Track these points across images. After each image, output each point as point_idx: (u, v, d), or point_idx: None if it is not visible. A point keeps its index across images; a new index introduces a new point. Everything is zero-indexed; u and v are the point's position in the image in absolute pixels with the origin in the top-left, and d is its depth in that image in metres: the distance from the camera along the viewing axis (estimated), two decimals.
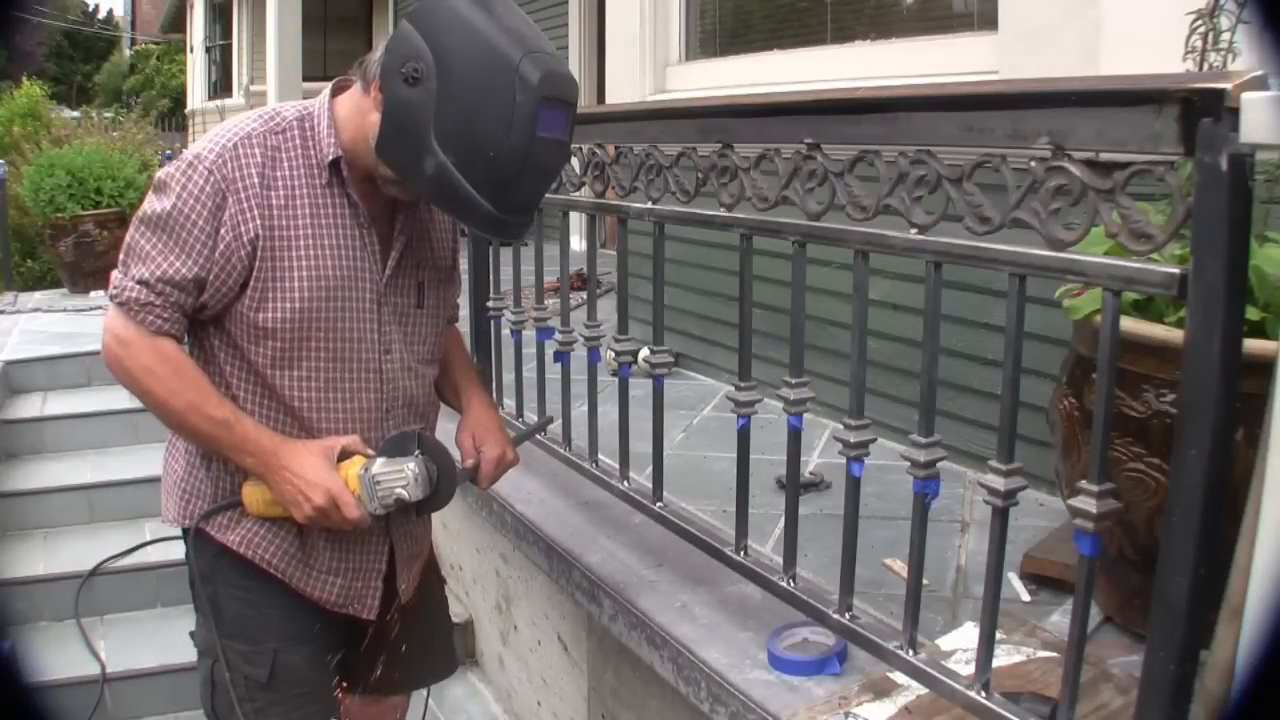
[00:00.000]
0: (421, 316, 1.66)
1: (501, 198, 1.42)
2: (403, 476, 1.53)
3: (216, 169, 1.46)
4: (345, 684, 1.82)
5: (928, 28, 3.21)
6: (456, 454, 1.71)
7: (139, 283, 1.45)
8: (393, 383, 1.62)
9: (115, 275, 1.49)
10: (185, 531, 1.66)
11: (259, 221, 1.47)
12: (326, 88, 1.59)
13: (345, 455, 1.54)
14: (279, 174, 1.50)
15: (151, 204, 1.48)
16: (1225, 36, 1.59)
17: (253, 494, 1.55)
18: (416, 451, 1.56)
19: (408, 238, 1.62)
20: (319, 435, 1.57)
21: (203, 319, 1.52)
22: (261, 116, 1.54)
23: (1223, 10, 1.58)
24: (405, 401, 1.65)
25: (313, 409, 1.56)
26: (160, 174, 1.50)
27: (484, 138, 1.39)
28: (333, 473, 1.50)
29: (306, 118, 1.54)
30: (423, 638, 1.87)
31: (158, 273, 1.45)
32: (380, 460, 1.54)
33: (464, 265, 1.85)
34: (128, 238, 1.49)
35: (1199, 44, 1.62)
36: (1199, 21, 1.61)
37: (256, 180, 1.47)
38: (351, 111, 1.52)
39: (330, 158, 1.52)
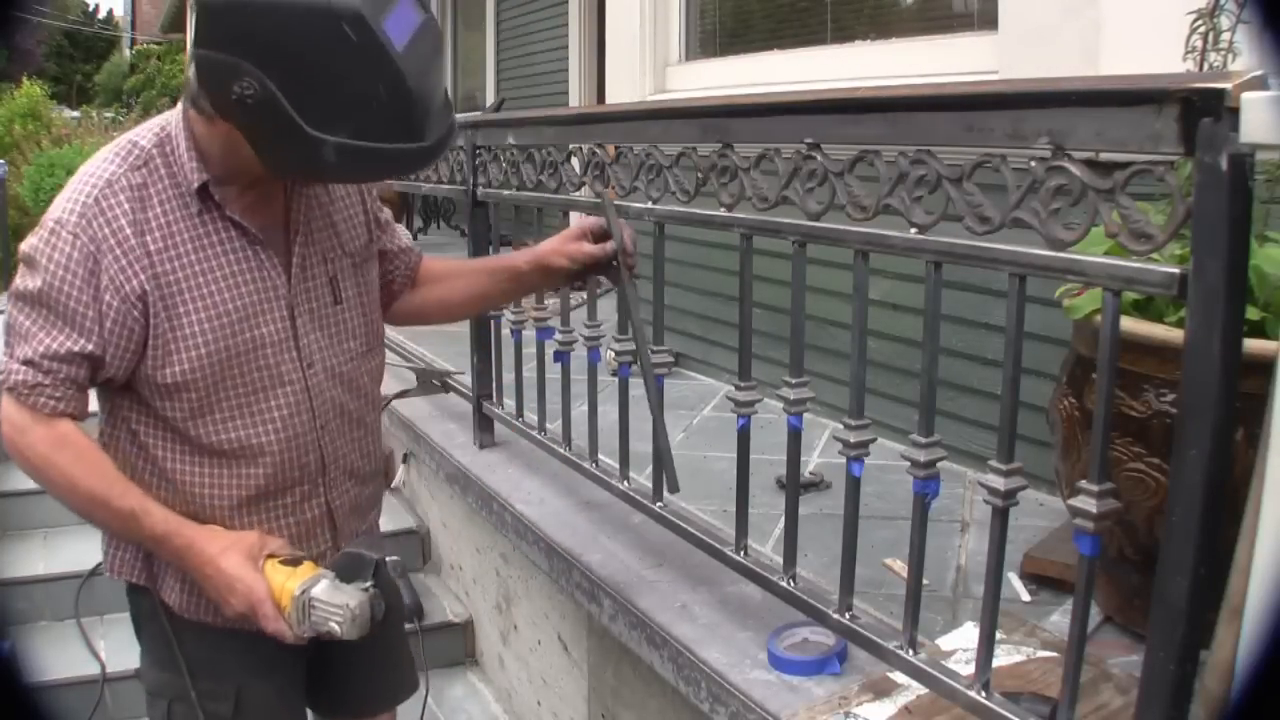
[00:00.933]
0: (342, 312, 1.53)
1: (413, 127, 1.29)
2: (341, 613, 1.36)
3: (82, 231, 1.33)
4: (325, 710, 1.75)
5: (928, 28, 3.21)
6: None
7: (24, 363, 1.34)
8: (320, 396, 1.50)
9: (0, 360, 1.38)
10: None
11: (143, 276, 1.34)
12: (179, 102, 1.44)
13: (295, 560, 1.41)
14: (150, 214, 1.36)
15: (23, 280, 1.35)
16: (1225, 36, 1.59)
17: None
18: (369, 585, 1.40)
19: (307, 235, 1.49)
20: (251, 477, 1.45)
21: (107, 387, 1.42)
22: (119, 154, 1.39)
23: (1223, 10, 1.58)
24: (337, 413, 1.52)
25: (241, 449, 1.44)
26: (24, 246, 1.37)
27: (357, 98, 1.24)
28: (254, 575, 1.38)
29: (166, 141, 1.40)
30: (386, 648, 1.74)
31: (40, 349, 1.33)
32: (324, 584, 1.38)
33: (436, 239, 1.80)
34: (7, 317, 1.37)
35: (1199, 44, 1.62)
36: (1199, 21, 1.62)
37: (129, 230, 1.34)
38: (213, 135, 1.36)
39: (195, 185, 1.37)
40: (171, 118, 1.42)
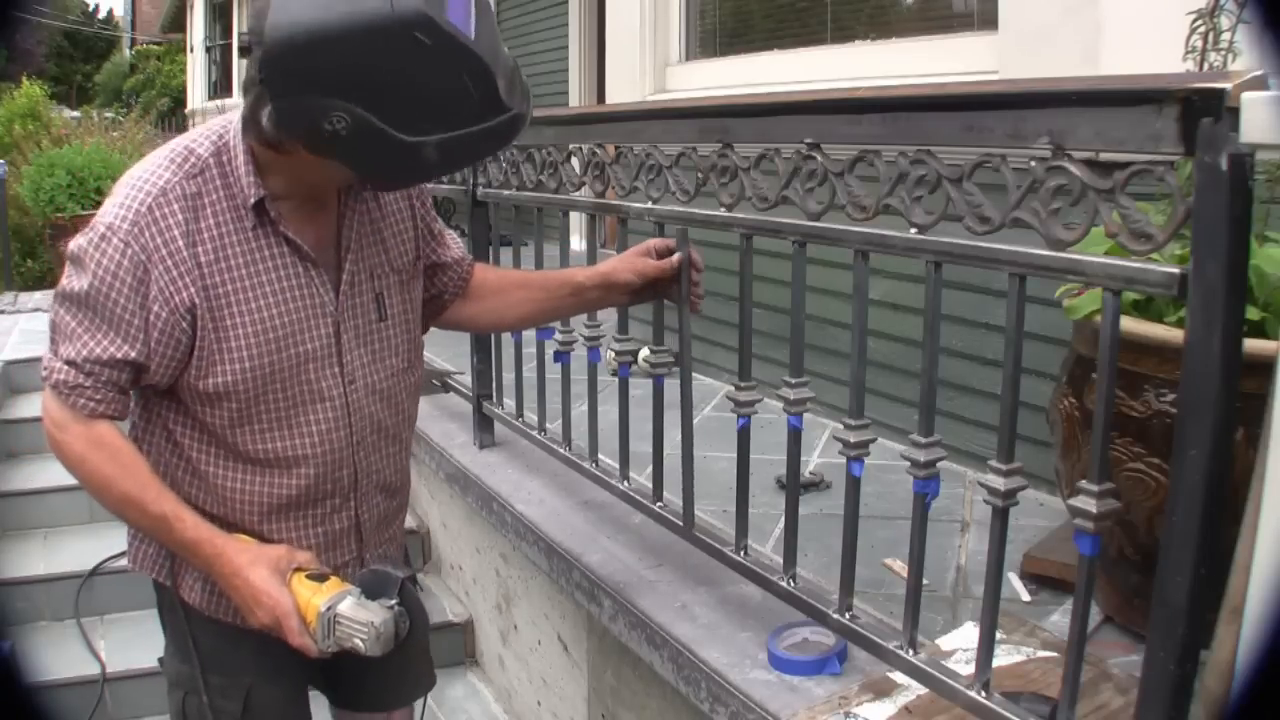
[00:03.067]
0: (386, 329, 1.53)
1: (500, 101, 1.27)
2: (365, 630, 1.36)
3: (133, 239, 1.32)
4: (342, 701, 1.76)
5: (928, 28, 3.21)
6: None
7: (67, 363, 1.35)
8: (359, 412, 1.50)
9: (45, 355, 1.39)
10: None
11: (193, 288, 1.34)
12: (237, 113, 1.41)
13: (322, 575, 1.41)
14: (203, 224, 1.35)
15: (70, 280, 1.35)
16: (1225, 36, 1.59)
17: None
18: (394, 603, 1.41)
19: (357, 251, 1.49)
20: (285, 487, 1.46)
21: (155, 390, 1.42)
22: (174, 160, 1.38)
23: (1223, 10, 1.58)
24: (374, 428, 1.53)
25: (277, 460, 1.45)
26: (73, 245, 1.36)
27: (445, 95, 1.24)
28: (281, 589, 1.37)
29: (224, 150, 1.39)
30: (408, 645, 1.81)
31: (84, 352, 1.34)
32: (349, 600, 1.38)
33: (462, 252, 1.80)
34: (51, 314, 1.38)
35: (1199, 44, 1.62)
36: (1199, 21, 1.61)
37: (181, 242, 1.34)
38: (279, 160, 1.36)
39: (253, 200, 1.37)
40: (230, 127, 1.40)
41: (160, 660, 1.63)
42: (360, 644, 1.37)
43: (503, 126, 1.30)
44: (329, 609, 1.36)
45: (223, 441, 1.43)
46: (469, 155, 1.39)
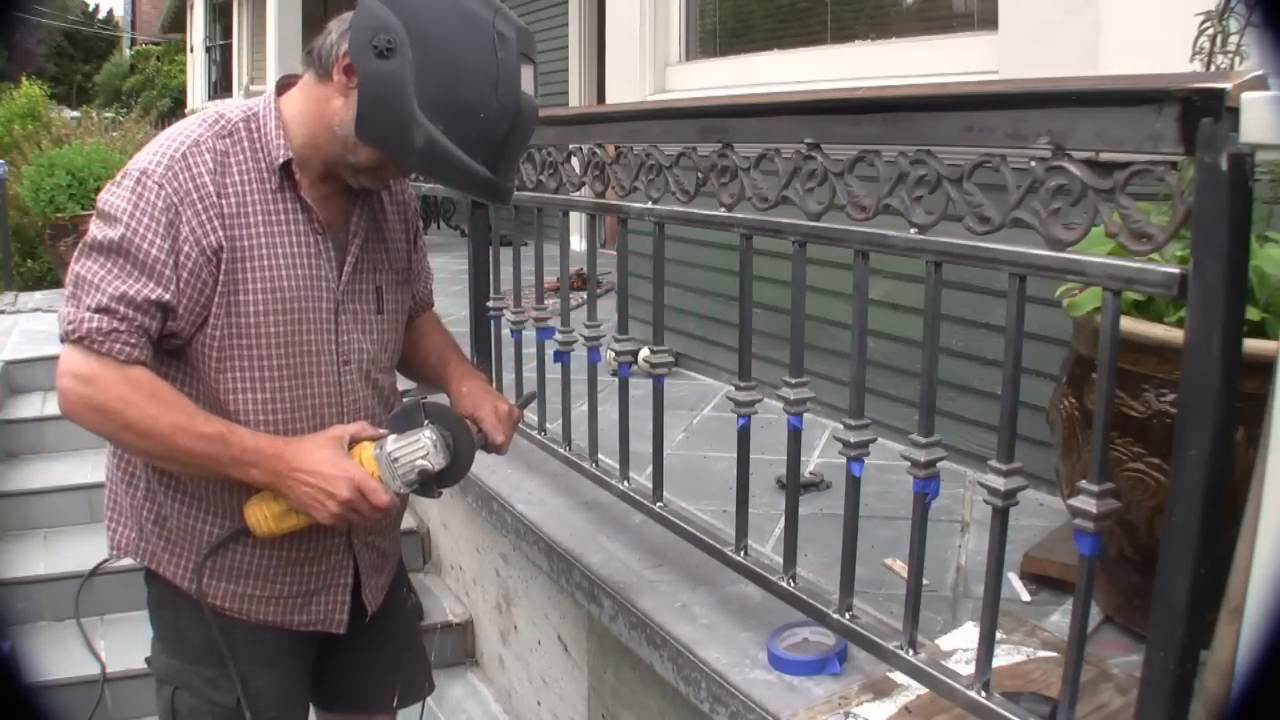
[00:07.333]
0: (382, 323, 1.58)
1: (495, 160, 1.37)
2: (421, 447, 1.45)
3: (167, 182, 1.35)
4: (323, 702, 1.75)
5: (928, 28, 3.21)
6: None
7: (96, 311, 1.32)
8: (352, 395, 1.53)
9: (64, 313, 1.35)
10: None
11: (220, 232, 1.38)
12: (270, 86, 1.51)
13: (353, 442, 1.46)
14: (229, 180, 1.41)
15: (100, 230, 1.36)
16: (1234, 39, 1.58)
17: (259, 513, 1.43)
18: (426, 421, 1.48)
19: (363, 240, 1.54)
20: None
21: (169, 348, 1.42)
22: (206, 121, 1.44)
23: (1233, 13, 1.58)
24: (366, 415, 1.54)
25: (277, 428, 1.46)
26: (102, 200, 1.38)
27: (473, 99, 1.33)
28: (350, 460, 1.41)
29: (253, 119, 1.45)
30: (396, 650, 1.78)
31: (115, 294, 1.32)
32: (392, 437, 1.46)
33: (461, 265, 1.83)
34: (72, 272, 1.36)
35: (1207, 45, 1.61)
36: (1208, 24, 1.61)
37: (211, 188, 1.38)
38: (306, 104, 1.44)
39: (280, 160, 1.43)
40: (261, 100, 1.48)
41: (147, 659, 1.61)
42: (425, 462, 1.45)
43: (479, 178, 1.37)
44: (381, 450, 1.44)
45: (230, 412, 1.44)
46: (439, 171, 1.40)
